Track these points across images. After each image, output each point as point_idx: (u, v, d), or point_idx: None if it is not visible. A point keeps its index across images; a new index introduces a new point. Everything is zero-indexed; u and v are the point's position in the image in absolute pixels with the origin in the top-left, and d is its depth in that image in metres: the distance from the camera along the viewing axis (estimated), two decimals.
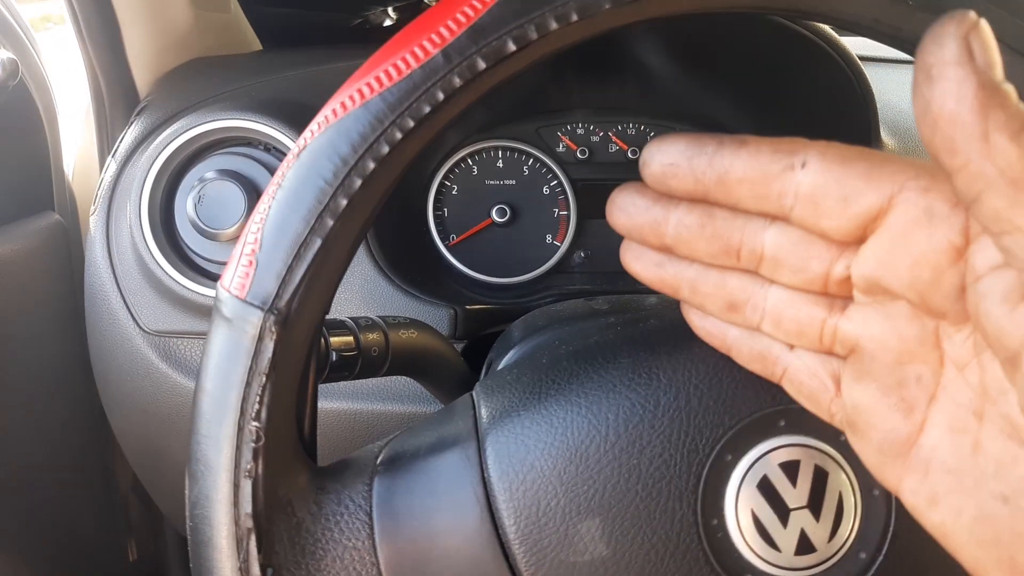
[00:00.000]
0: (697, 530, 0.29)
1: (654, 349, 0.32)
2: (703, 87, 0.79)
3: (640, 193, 0.30)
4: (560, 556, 0.29)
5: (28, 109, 0.82)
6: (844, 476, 0.30)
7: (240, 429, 0.28)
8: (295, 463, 0.30)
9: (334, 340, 0.40)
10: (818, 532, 0.29)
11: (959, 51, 0.20)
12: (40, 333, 0.80)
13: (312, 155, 0.28)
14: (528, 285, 0.81)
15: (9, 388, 0.76)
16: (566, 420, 0.30)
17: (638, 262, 0.31)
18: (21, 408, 0.77)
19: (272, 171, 0.67)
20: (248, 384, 0.28)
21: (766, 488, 0.29)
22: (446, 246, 0.81)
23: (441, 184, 0.81)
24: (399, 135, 0.28)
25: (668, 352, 0.31)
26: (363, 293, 0.67)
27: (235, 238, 0.66)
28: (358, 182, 0.28)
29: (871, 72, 0.69)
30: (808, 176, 0.25)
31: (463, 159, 0.81)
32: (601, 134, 0.83)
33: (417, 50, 0.28)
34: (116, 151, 0.71)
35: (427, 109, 0.28)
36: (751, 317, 0.28)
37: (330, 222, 0.28)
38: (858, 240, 0.25)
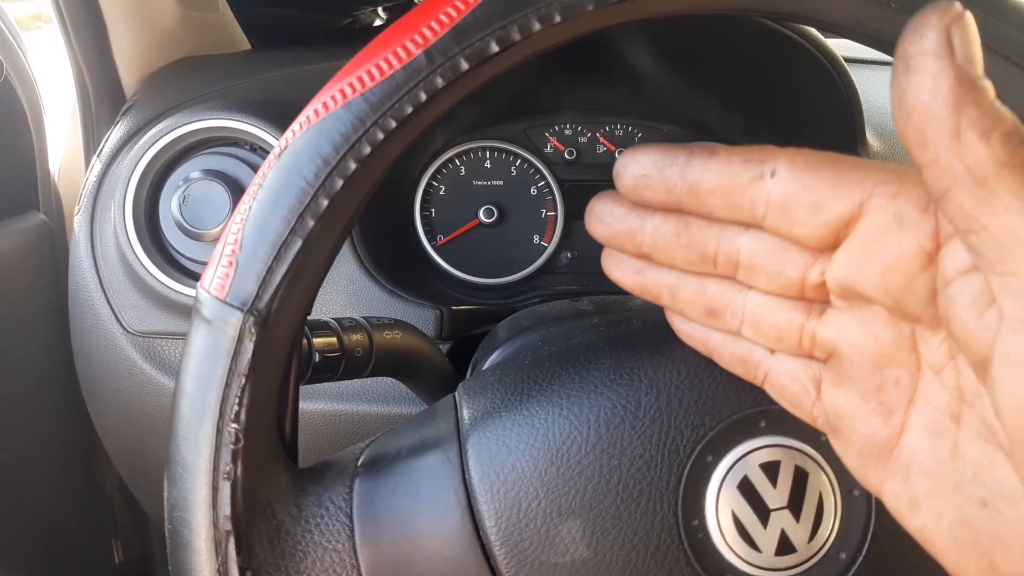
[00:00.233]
0: (678, 531, 0.29)
1: (636, 350, 0.32)
2: (690, 88, 0.79)
3: (616, 202, 0.30)
4: (541, 557, 0.29)
5: (13, 108, 0.81)
6: (824, 477, 0.30)
7: (219, 431, 0.28)
8: (275, 465, 0.30)
9: (317, 341, 0.40)
10: (798, 533, 0.29)
11: (939, 43, 0.20)
12: (24, 333, 0.80)
13: (293, 155, 0.28)
14: (515, 286, 0.81)
15: None
16: (547, 421, 0.30)
17: (619, 269, 0.31)
18: (5, 408, 0.77)
19: (258, 171, 0.67)
20: (227, 385, 0.28)
21: (746, 489, 0.29)
22: (433, 246, 0.81)
23: (428, 184, 0.81)
24: (381, 136, 0.28)
25: (650, 353, 0.31)
26: (348, 293, 0.67)
27: (220, 238, 0.65)
28: (339, 183, 0.28)
29: (857, 74, 0.69)
30: (778, 185, 0.25)
31: (450, 159, 0.81)
32: (589, 135, 0.83)
33: (400, 51, 0.28)
34: (101, 150, 0.71)
35: (409, 110, 0.28)
36: (731, 322, 0.28)
37: (311, 223, 0.28)
38: (831, 246, 0.25)
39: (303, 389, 0.39)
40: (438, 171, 0.81)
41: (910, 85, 0.20)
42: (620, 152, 0.82)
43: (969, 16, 0.20)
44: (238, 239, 0.28)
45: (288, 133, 0.29)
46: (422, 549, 0.30)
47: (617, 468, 0.29)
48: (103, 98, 0.78)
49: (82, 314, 0.69)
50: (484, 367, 0.48)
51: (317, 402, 0.66)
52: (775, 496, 0.29)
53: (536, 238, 0.82)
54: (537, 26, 0.28)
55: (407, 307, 0.66)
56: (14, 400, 0.78)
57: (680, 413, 0.30)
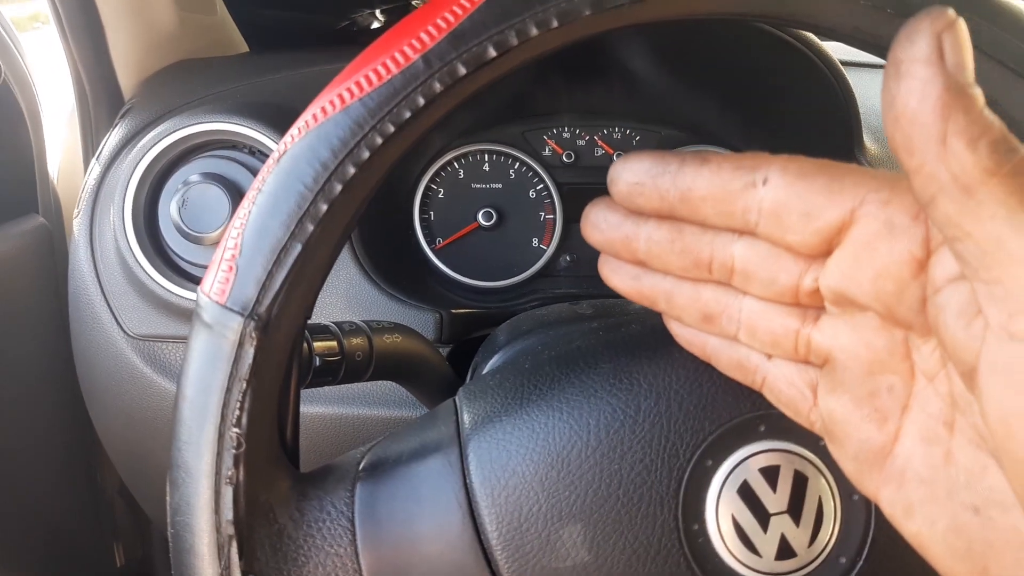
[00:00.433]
0: (678, 535, 0.29)
1: (635, 354, 0.32)
2: (688, 91, 0.79)
3: (611, 209, 0.30)
4: (542, 562, 0.29)
5: (11, 110, 0.81)
6: (824, 481, 0.30)
7: (221, 435, 0.28)
8: (277, 469, 0.30)
9: (318, 345, 0.40)
10: (798, 537, 0.29)
11: (930, 49, 0.20)
12: (24, 336, 0.80)
13: (292, 160, 0.28)
14: (514, 289, 0.81)
15: None
16: (548, 425, 0.30)
17: (615, 275, 0.31)
18: (5, 412, 0.77)
19: (256, 175, 0.67)
20: (228, 390, 0.28)
21: (746, 493, 0.29)
22: (432, 250, 0.81)
23: (427, 187, 0.81)
24: (379, 140, 0.28)
25: (649, 357, 0.31)
26: (348, 297, 0.67)
27: (219, 242, 0.65)
28: (338, 187, 0.28)
29: (854, 77, 0.69)
30: (770, 192, 0.25)
31: (449, 162, 0.81)
32: (587, 138, 0.83)
33: (398, 55, 0.28)
34: (100, 153, 0.71)
35: (407, 114, 0.28)
36: (727, 327, 0.29)
37: (310, 227, 0.28)
38: (824, 253, 0.25)
39: (303, 393, 0.39)
40: (437, 174, 0.81)
41: (899, 91, 0.20)
42: (617, 156, 0.82)
43: (961, 23, 0.20)
44: (238, 244, 0.29)
45: (287, 138, 0.29)
46: (423, 553, 0.30)
47: (617, 472, 0.29)
48: (101, 100, 0.78)
49: (82, 317, 0.69)
50: (484, 371, 0.49)
51: (318, 406, 0.66)
52: (775, 500, 0.29)
53: (535, 241, 0.82)
54: (534, 31, 0.28)
55: (407, 310, 0.66)
56: (14, 403, 0.78)
57: (680, 417, 0.30)
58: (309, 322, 0.32)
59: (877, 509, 0.30)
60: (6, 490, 0.77)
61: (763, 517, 0.29)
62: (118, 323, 0.68)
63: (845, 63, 0.69)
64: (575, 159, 0.83)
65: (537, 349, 0.37)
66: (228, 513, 0.28)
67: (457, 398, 0.35)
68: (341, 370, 0.41)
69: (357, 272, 0.67)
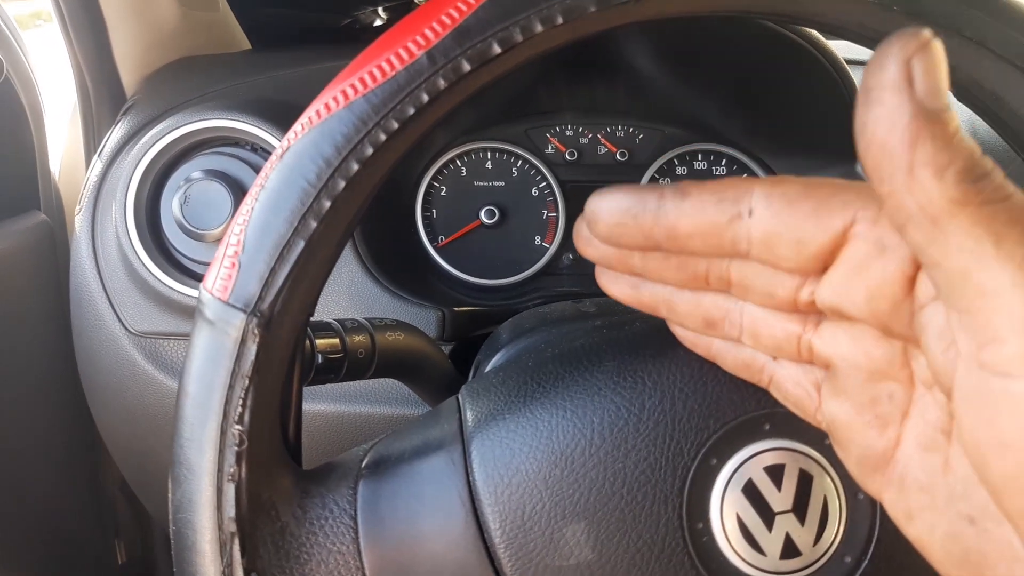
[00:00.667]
0: (682, 534, 0.29)
1: (639, 353, 0.32)
2: (691, 89, 0.79)
3: None
4: (546, 560, 0.29)
5: (14, 107, 0.81)
6: (829, 480, 0.30)
7: (223, 432, 0.28)
8: (279, 466, 0.30)
9: (320, 342, 0.40)
10: (803, 536, 0.29)
11: (898, 76, 0.19)
12: (26, 333, 0.80)
13: (295, 156, 0.28)
14: (517, 287, 0.81)
15: None
16: (551, 424, 0.30)
17: (614, 285, 0.30)
18: (6, 409, 0.77)
19: (259, 171, 0.67)
20: (231, 387, 0.28)
21: (751, 492, 0.29)
22: (434, 247, 0.81)
23: (429, 185, 0.81)
24: (383, 137, 0.28)
25: (653, 355, 0.31)
26: (350, 295, 0.67)
27: (221, 239, 0.65)
28: (342, 184, 0.28)
29: (858, 75, 0.69)
30: (757, 223, 0.24)
31: (452, 160, 0.81)
32: (590, 136, 0.83)
33: (402, 52, 0.28)
34: (102, 150, 0.71)
35: (411, 111, 0.28)
36: (730, 331, 0.28)
37: (313, 224, 0.28)
38: (819, 271, 0.25)
39: (306, 390, 0.39)
40: (439, 172, 0.81)
41: (868, 118, 0.20)
42: (623, 152, 0.82)
43: (936, 45, 0.19)
44: (240, 240, 0.28)
45: (290, 134, 0.29)
46: (426, 551, 0.30)
47: (621, 471, 0.29)
48: (103, 97, 0.78)
49: (84, 314, 0.69)
50: (487, 369, 0.48)
51: (320, 403, 0.66)
52: (780, 499, 0.29)
53: (538, 239, 0.82)
54: (539, 27, 0.28)
55: (409, 308, 0.66)
56: (15, 400, 0.78)
57: (684, 416, 0.30)
58: (311, 319, 0.32)
59: (882, 508, 0.30)
60: (7, 488, 0.77)
61: (768, 516, 0.29)
62: (120, 320, 0.68)
63: (850, 61, 0.68)
64: (578, 157, 0.83)
65: (540, 347, 0.37)
66: (230, 510, 0.28)
67: (460, 396, 0.35)
68: (343, 367, 0.41)
69: (359, 269, 0.67)
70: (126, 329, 0.68)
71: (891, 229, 0.23)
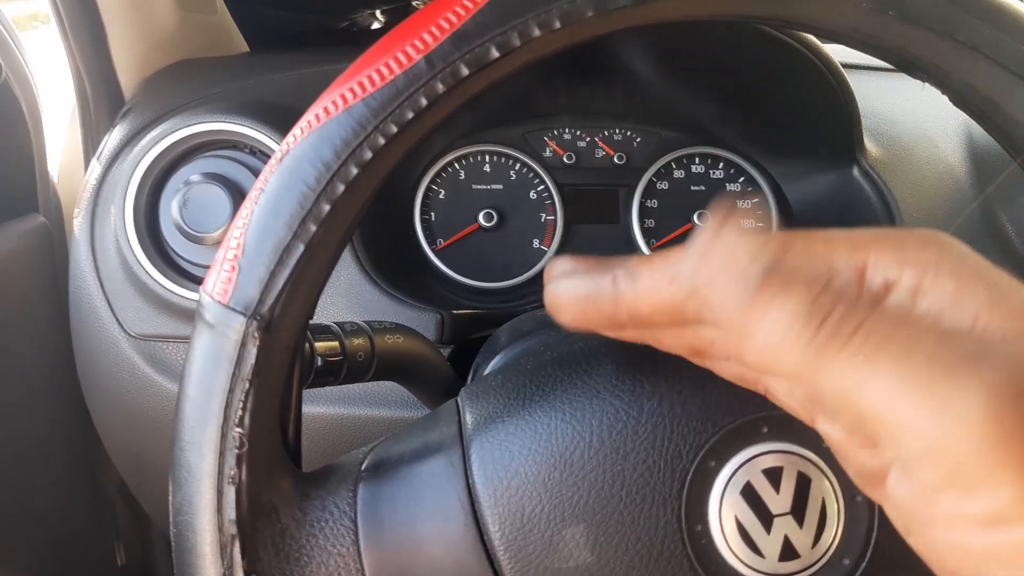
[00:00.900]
0: (681, 536, 0.29)
1: (637, 356, 0.32)
2: (689, 93, 0.79)
3: None
4: (545, 562, 0.29)
5: (12, 109, 0.81)
6: (827, 482, 0.30)
7: (223, 435, 0.28)
8: (279, 469, 0.30)
9: (319, 345, 0.40)
10: (801, 538, 0.29)
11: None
12: (25, 336, 0.80)
13: (295, 160, 0.28)
14: (515, 290, 0.81)
15: None
16: (550, 426, 0.30)
17: (598, 329, 0.30)
18: (6, 411, 0.77)
19: (258, 174, 0.67)
20: (231, 390, 0.28)
21: (749, 494, 0.29)
22: (433, 250, 0.81)
23: (428, 188, 0.81)
24: (382, 141, 0.28)
25: (651, 359, 0.31)
26: (349, 297, 0.67)
27: (220, 241, 0.65)
28: (341, 187, 0.28)
29: (856, 80, 0.69)
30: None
31: (450, 163, 0.81)
32: (588, 139, 0.83)
33: (400, 56, 0.28)
34: (100, 153, 0.71)
35: (410, 115, 0.28)
36: (718, 355, 0.28)
37: (313, 227, 0.28)
38: None
39: (305, 393, 0.39)
40: (437, 175, 0.81)
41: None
42: (620, 156, 0.82)
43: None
44: (240, 243, 0.29)
45: (289, 138, 0.29)
46: (426, 554, 0.30)
47: (620, 473, 0.29)
48: (102, 100, 0.78)
49: (83, 317, 0.69)
50: (486, 372, 0.49)
51: (319, 406, 0.66)
52: (778, 502, 0.29)
53: (536, 242, 0.82)
54: (537, 32, 0.28)
55: (408, 311, 0.66)
56: (14, 403, 0.78)
57: (683, 418, 0.30)
58: (311, 322, 0.32)
59: (881, 510, 0.30)
60: (7, 490, 0.77)
61: (766, 518, 0.29)
62: (119, 323, 0.68)
63: (846, 65, 0.69)
64: (576, 160, 0.83)
65: (539, 350, 0.37)
66: (231, 513, 0.28)
67: (459, 398, 0.35)
68: (343, 370, 0.41)
69: (358, 273, 0.67)
70: (125, 332, 0.68)
71: (846, 284, 0.23)
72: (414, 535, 0.30)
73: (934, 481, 0.21)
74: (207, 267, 0.67)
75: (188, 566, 0.29)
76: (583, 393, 0.31)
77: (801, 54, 0.67)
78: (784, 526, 0.29)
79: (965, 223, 0.73)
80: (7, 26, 0.84)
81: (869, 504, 0.30)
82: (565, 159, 0.82)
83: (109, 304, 0.68)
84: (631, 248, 0.82)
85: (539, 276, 0.82)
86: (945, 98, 0.34)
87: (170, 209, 0.66)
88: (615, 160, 0.83)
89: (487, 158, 0.82)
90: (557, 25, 0.28)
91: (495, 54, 0.28)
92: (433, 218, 0.81)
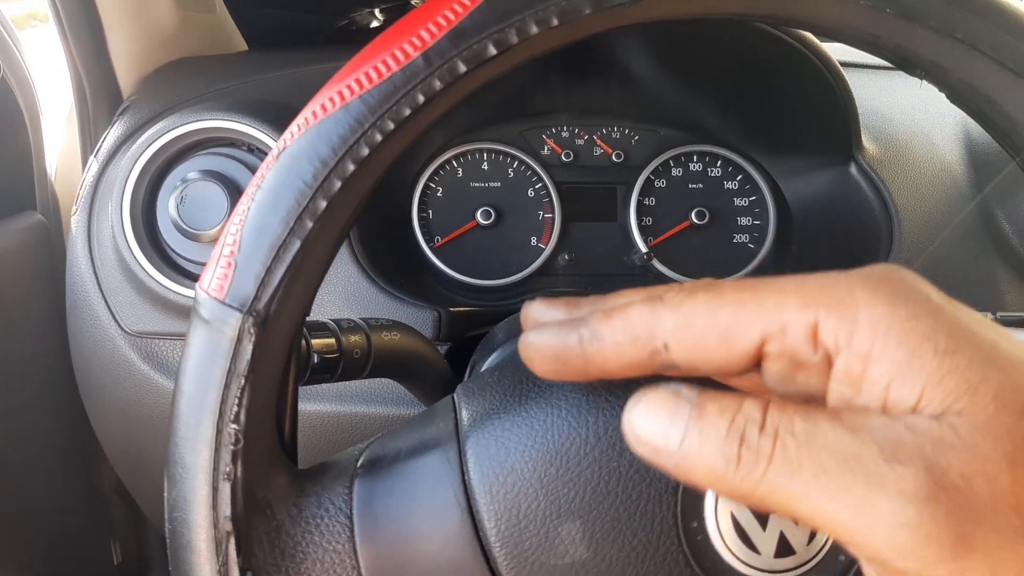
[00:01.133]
0: (677, 532, 0.29)
1: None
2: (687, 91, 0.79)
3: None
4: (541, 559, 0.29)
5: (10, 108, 0.81)
6: None
7: (219, 431, 0.28)
8: (275, 465, 0.30)
9: (316, 342, 0.40)
10: (797, 535, 0.29)
11: None
12: (22, 334, 0.80)
13: (292, 157, 0.28)
14: (512, 287, 0.81)
15: None
16: (546, 423, 0.30)
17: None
18: (2, 410, 0.77)
19: (255, 172, 0.67)
20: (226, 386, 0.28)
21: None
22: (430, 248, 0.81)
23: (426, 186, 0.81)
24: (379, 137, 0.28)
25: None
26: (346, 295, 0.67)
27: (218, 239, 0.65)
28: (338, 184, 0.28)
29: (854, 78, 0.69)
30: (676, 354, 0.25)
31: (448, 161, 0.81)
32: (586, 137, 0.83)
33: (398, 53, 0.28)
34: (98, 151, 0.71)
35: (407, 112, 0.28)
36: None
37: (309, 224, 0.28)
38: (751, 370, 0.25)
39: (301, 390, 0.39)
40: (435, 173, 0.81)
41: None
42: (618, 154, 0.82)
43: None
44: (237, 240, 0.29)
45: (286, 134, 0.29)
46: (422, 550, 0.30)
47: (616, 470, 0.29)
48: (100, 98, 0.78)
49: (79, 315, 0.69)
50: (482, 369, 0.49)
51: (316, 403, 0.66)
52: None
53: (533, 240, 0.82)
54: (534, 29, 0.28)
55: (405, 308, 0.66)
56: (11, 401, 0.78)
57: None
58: (307, 319, 0.32)
59: None
60: (3, 488, 0.77)
61: (762, 515, 0.29)
62: (115, 320, 0.68)
63: (844, 64, 0.69)
64: (574, 158, 0.83)
65: None
66: (226, 509, 0.28)
67: (456, 395, 0.35)
68: (339, 367, 0.41)
69: (355, 270, 0.67)
70: (122, 329, 0.68)
71: (799, 341, 0.23)
72: (410, 531, 0.30)
73: (883, 573, 0.21)
74: (204, 264, 0.67)
75: (183, 563, 0.29)
76: (579, 389, 0.31)
77: (799, 52, 0.67)
78: (780, 522, 0.29)
79: (962, 221, 0.73)
80: (5, 25, 0.84)
81: None
82: (563, 157, 0.83)
83: (106, 301, 0.68)
84: (629, 246, 0.82)
85: (536, 274, 0.82)
86: (943, 96, 0.34)
87: (167, 206, 0.66)
88: (613, 158, 0.83)
89: (485, 156, 0.82)
90: (555, 22, 0.28)
91: (493, 51, 0.28)
92: (431, 216, 0.81)
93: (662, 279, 0.82)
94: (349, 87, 0.28)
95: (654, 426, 0.23)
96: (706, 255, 0.82)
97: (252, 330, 0.28)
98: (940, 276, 0.58)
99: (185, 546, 0.28)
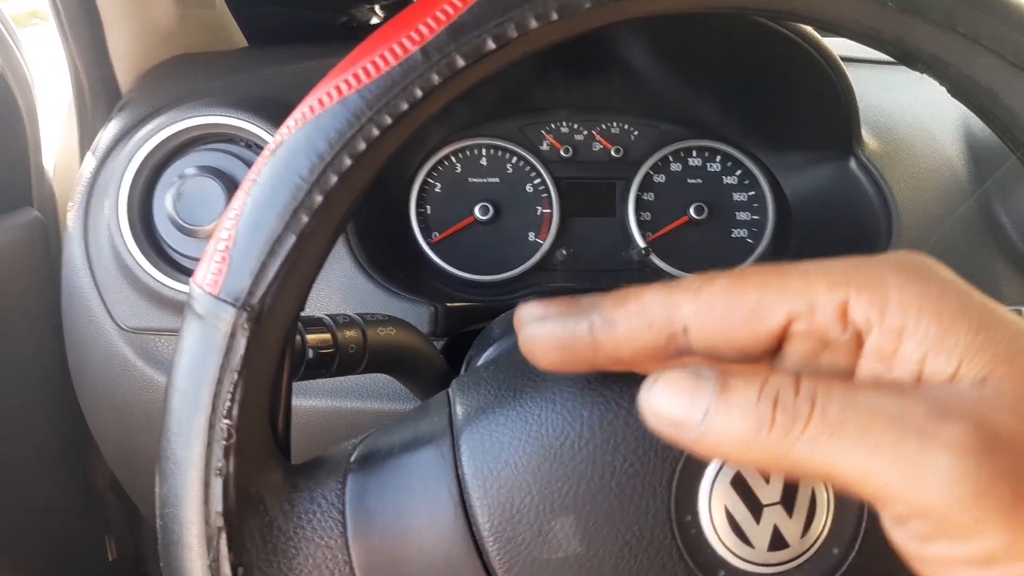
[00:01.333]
0: (671, 527, 0.29)
1: None
2: (687, 86, 0.79)
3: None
4: (534, 553, 0.29)
5: (8, 104, 0.81)
6: None
7: (211, 426, 0.28)
8: (268, 461, 0.30)
9: (311, 337, 0.40)
10: (791, 528, 0.29)
11: None
12: (18, 330, 0.79)
13: (288, 151, 0.28)
14: (510, 283, 0.81)
15: None
16: (541, 417, 0.30)
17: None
18: None
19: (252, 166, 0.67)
20: (220, 381, 0.28)
21: (739, 484, 0.29)
22: (428, 243, 0.81)
23: (424, 181, 0.81)
24: (376, 132, 0.28)
25: None
26: (343, 290, 0.67)
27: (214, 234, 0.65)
28: (334, 178, 0.28)
29: (854, 72, 0.69)
30: (695, 337, 0.25)
31: (447, 156, 0.81)
32: (585, 132, 0.83)
33: (396, 47, 0.28)
34: (96, 147, 0.71)
35: (405, 106, 0.28)
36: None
37: (305, 218, 0.28)
38: (770, 354, 0.25)
39: (296, 385, 0.39)
40: (434, 168, 0.81)
41: None
42: (617, 149, 0.82)
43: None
44: (232, 234, 0.28)
45: (283, 129, 0.29)
46: (415, 545, 0.30)
47: (610, 464, 0.29)
48: (98, 94, 0.78)
49: (75, 310, 0.69)
50: (478, 364, 0.48)
51: (311, 398, 0.66)
52: (768, 492, 0.29)
53: (531, 235, 0.82)
54: (534, 23, 0.28)
55: (402, 304, 0.66)
56: (6, 398, 0.78)
57: None
58: (303, 314, 0.32)
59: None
60: None
61: (756, 508, 0.29)
62: (111, 316, 0.68)
63: (845, 59, 0.68)
64: (573, 154, 0.83)
65: None
66: (217, 504, 0.28)
67: (450, 390, 0.35)
68: (335, 363, 0.41)
69: (352, 265, 0.67)
70: (117, 325, 0.68)
71: (829, 320, 0.23)
72: (402, 526, 0.30)
73: (924, 532, 0.21)
74: (200, 259, 0.67)
75: (174, 559, 0.29)
76: (574, 384, 0.31)
77: (800, 47, 0.66)
78: (774, 516, 0.29)
79: (962, 216, 0.73)
80: (4, 22, 0.84)
81: None
82: (562, 152, 0.82)
83: (101, 297, 0.68)
84: (627, 241, 0.82)
85: (534, 269, 0.82)
86: (943, 91, 0.33)
87: (164, 202, 0.66)
88: (612, 153, 0.83)
89: (484, 151, 0.82)
90: (554, 17, 0.28)
91: (491, 46, 0.28)
92: (429, 211, 0.81)
93: (660, 274, 0.81)
94: (347, 81, 0.28)
95: (676, 400, 0.23)
96: (705, 250, 0.82)
97: (246, 325, 0.28)
98: None
99: (176, 542, 0.28)
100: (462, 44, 0.28)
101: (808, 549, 0.29)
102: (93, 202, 0.69)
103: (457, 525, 0.30)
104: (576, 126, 0.83)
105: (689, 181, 0.83)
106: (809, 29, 0.67)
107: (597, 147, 0.83)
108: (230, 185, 0.65)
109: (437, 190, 0.81)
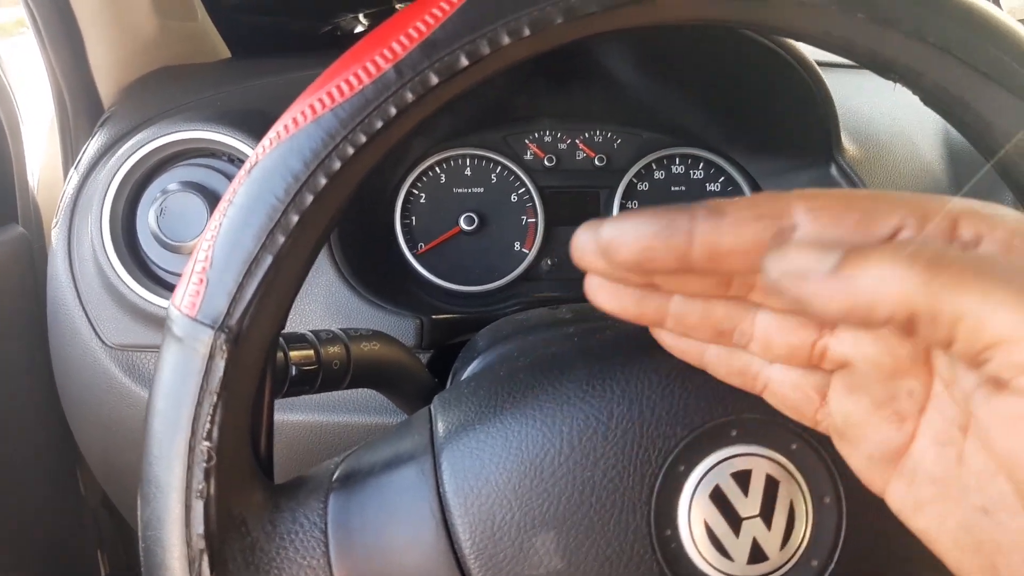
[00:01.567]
0: (651, 541, 0.29)
1: (608, 360, 0.32)
2: (668, 94, 0.79)
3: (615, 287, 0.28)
4: (515, 570, 0.29)
5: None
6: (795, 485, 0.30)
7: (191, 449, 0.28)
8: (249, 481, 0.30)
9: (294, 354, 0.40)
10: (770, 541, 0.29)
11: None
12: (4, 347, 0.79)
13: (263, 172, 0.28)
14: (496, 293, 0.81)
15: None
16: (521, 433, 0.30)
17: (614, 300, 0.28)
18: None
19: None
20: (199, 404, 0.28)
21: (718, 498, 0.29)
22: (414, 255, 0.81)
23: (408, 192, 0.81)
24: (351, 150, 0.28)
25: (622, 363, 0.31)
26: (327, 304, 0.67)
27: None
28: (309, 198, 0.28)
29: (832, 78, 0.69)
30: (806, 236, 0.24)
31: (431, 167, 0.81)
32: (568, 141, 0.83)
33: (369, 65, 0.28)
34: (79, 162, 0.71)
35: (379, 124, 0.28)
36: (739, 341, 0.28)
37: (281, 239, 0.28)
38: None
39: (281, 401, 0.39)
40: (418, 179, 0.81)
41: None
42: (600, 158, 0.82)
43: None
44: (208, 256, 0.28)
45: (258, 149, 0.29)
46: (397, 563, 0.30)
47: (590, 479, 0.29)
48: (81, 109, 0.77)
49: (60, 328, 0.69)
50: (463, 376, 0.48)
51: (296, 414, 0.66)
52: (747, 505, 0.29)
53: (517, 245, 0.82)
54: (506, 40, 0.28)
55: (387, 317, 0.66)
56: None
57: (652, 423, 0.30)
58: (285, 331, 0.32)
59: (849, 512, 0.30)
60: None
61: (735, 521, 0.29)
62: (96, 333, 0.67)
63: (822, 64, 0.69)
64: (556, 163, 0.83)
65: (513, 355, 0.37)
66: (199, 527, 0.28)
67: (432, 406, 0.35)
68: (318, 379, 0.41)
69: (336, 278, 0.67)
70: (102, 342, 0.67)
71: (937, 232, 0.22)
72: (384, 544, 0.30)
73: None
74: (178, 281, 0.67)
75: None
76: (553, 399, 0.31)
77: (777, 54, 0.67)
78: (753, 529, 0.29)
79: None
80: None
81: (837, 505, 0.30)
82: (546, 162, 0.83)
83: (86, 314, 0.68)
84: None
85: (520, 279, 0.82)
86: None
87: (148, 218, 0.65)
88: (595, 162, 0.83)
89: (468, 162, 0.82)
90: (527, 32, 0.28)
91: (465, 62, 0.28)
92: (414, 222, 0.81)
93: None
94: (320, 100, 0.28)
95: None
96: None
97: (224, 347, 0.28)
98: None
99: (159, 565, 0.28)
100: (435, 61, 0.28)
101: (787, 561, 0.30)
102: (77, 218, 0.69)
103: (439, 543, 0.30)
104: (559, 135, 0.83)
105: (672, 189, 0.83)
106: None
107: (580, 156, 0.83)
108: (213, 201, 0.65)
109: (422, 201, 0.81)
